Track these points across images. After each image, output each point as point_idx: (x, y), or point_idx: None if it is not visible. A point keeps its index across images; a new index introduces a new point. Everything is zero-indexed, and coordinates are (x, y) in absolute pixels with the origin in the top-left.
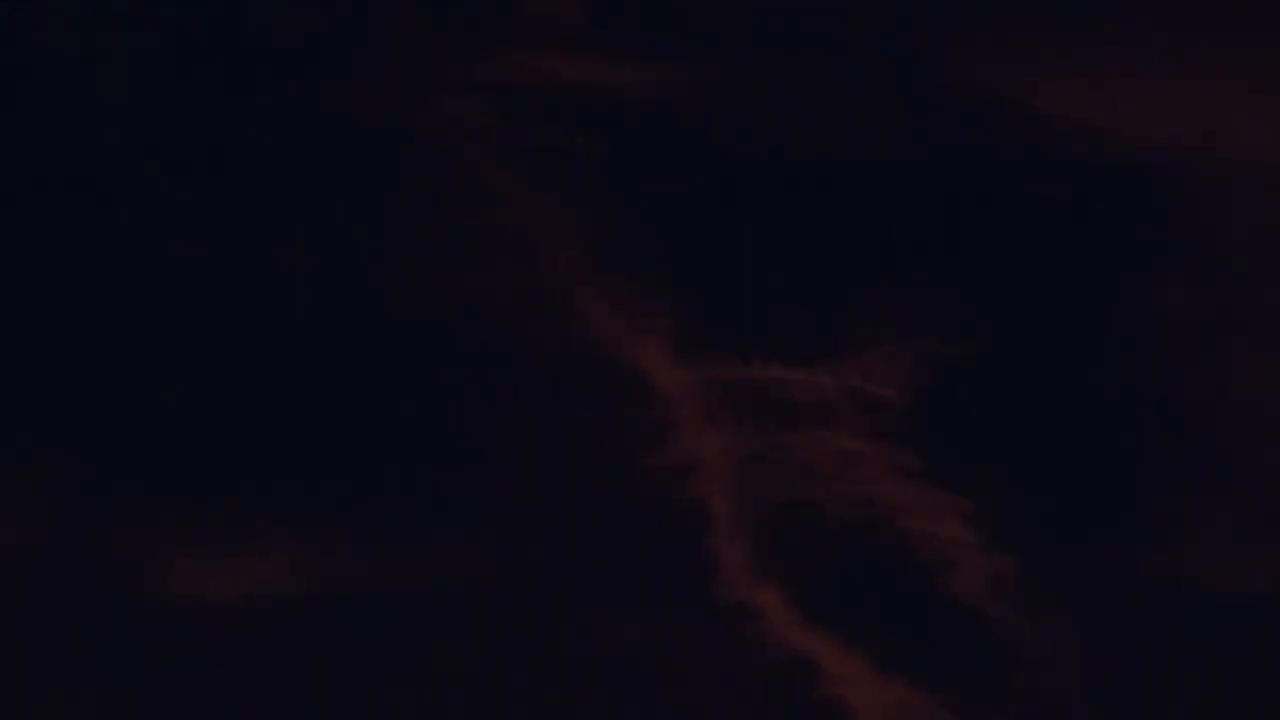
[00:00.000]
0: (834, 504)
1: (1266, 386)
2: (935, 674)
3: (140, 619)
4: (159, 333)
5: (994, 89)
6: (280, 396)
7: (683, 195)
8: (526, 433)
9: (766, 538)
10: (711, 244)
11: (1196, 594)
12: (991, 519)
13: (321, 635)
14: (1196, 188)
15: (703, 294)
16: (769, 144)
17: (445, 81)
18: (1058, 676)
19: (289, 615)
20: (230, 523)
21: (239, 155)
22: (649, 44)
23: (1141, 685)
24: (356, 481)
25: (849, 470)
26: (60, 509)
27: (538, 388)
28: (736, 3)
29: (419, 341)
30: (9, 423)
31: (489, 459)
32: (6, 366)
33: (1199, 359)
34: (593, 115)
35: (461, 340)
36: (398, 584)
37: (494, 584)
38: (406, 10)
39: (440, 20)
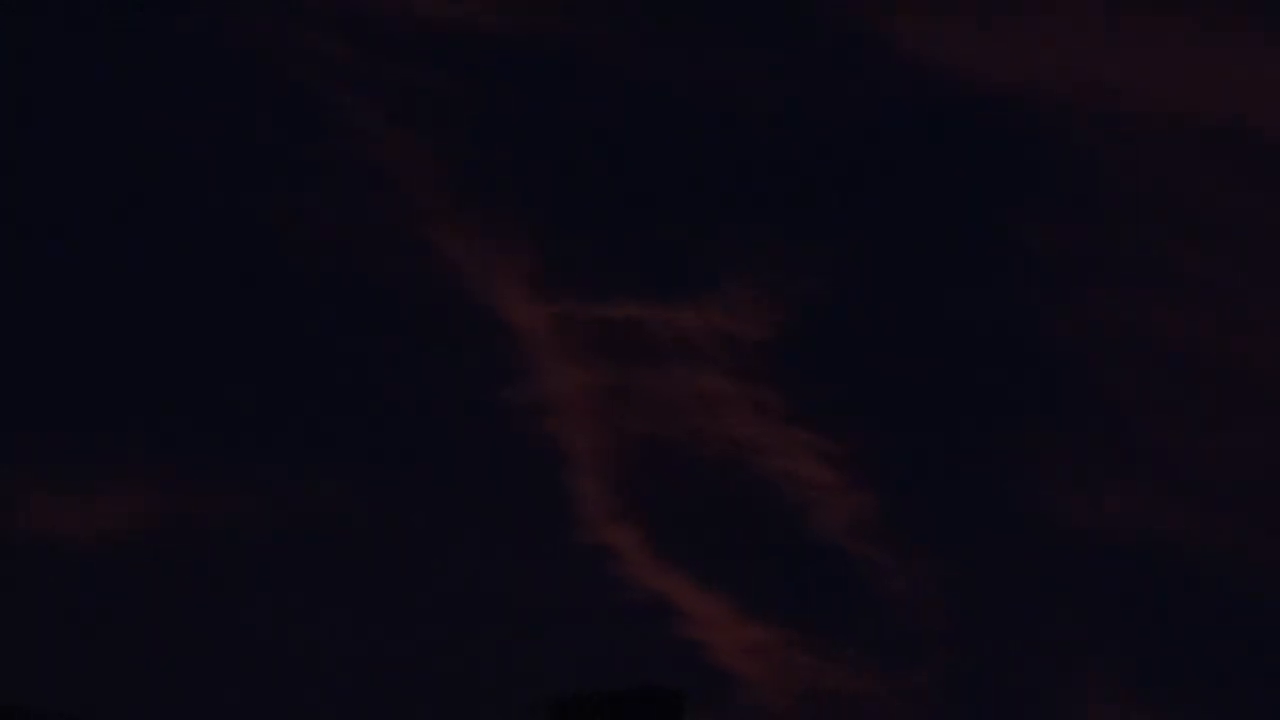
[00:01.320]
0: (694, 442)
1: (1128, 324)
2: (797, 614)
3: None
4: (10, 269)
5: (862, 30)
6: (131, 334)
7: (542, 132)
8: (380, 368)
9: (624, 477)
10: (571, 181)
11: (1061, 531)
12: (853, 458)
13: (174, 571)
14: (1066, 128)
15: (561, 231)
16: (631, 80)
17: (304, 14)
18: (921, 616)
19: (142, 551)
20: (84, 460)
21: (93, 82)
22: None
23: (1004, 624)
24: (206, 419)
25: (709, 408)
26: None
27: (392, 323)
28: None
29: (272, 274)
30: None
31: (341, 394)
32: None
33: (1064, 297)
34: (453, 51)
35: (315, 274)
36: (246, 521)
37: (345, 521)
38: None
39: None
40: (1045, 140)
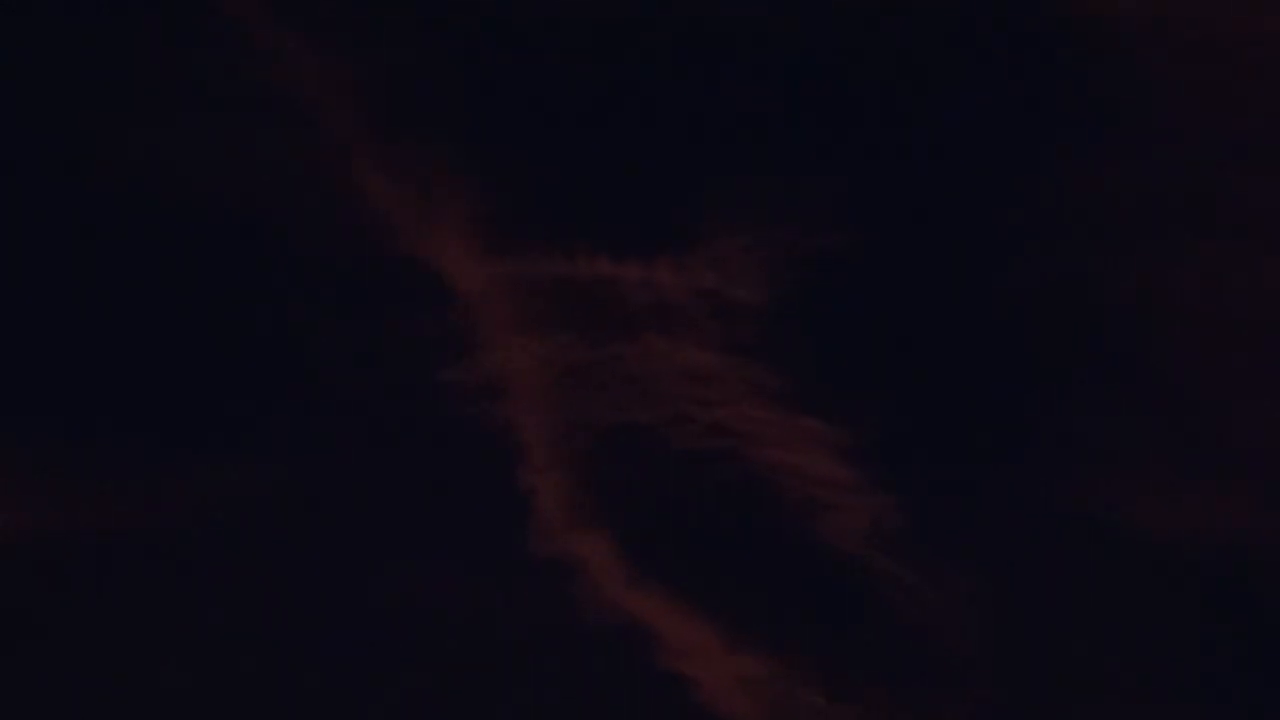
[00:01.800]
0: (675, 432)
1: (1195, 287)
2: (800, 642)
3: None
4: None
5: None
6: (32, 307)
7: (486, 50)
8: (298, 342)
9: (591, 473)
10: (523, 110)
11: (1115, 537)
12: (868, 450)
13: (91, 574)
14: (1121, 53)
15: (511, 171)
16: None
17: None
18: (952, 641)
19: (56, 554)
20: None
21: None
22: None
23: (1051, 649)
24: (116, 407)
25: (694, 390)
26: None
27: (312, 287)
28: None
29: (172, 231)
30: None
31: (256, 375)
32: None
33: (1118, 258)
34: None
35: (221, 224)
36: (166, 520)
37: (267, 524)
38: None
39: None
40: (1105, 68)
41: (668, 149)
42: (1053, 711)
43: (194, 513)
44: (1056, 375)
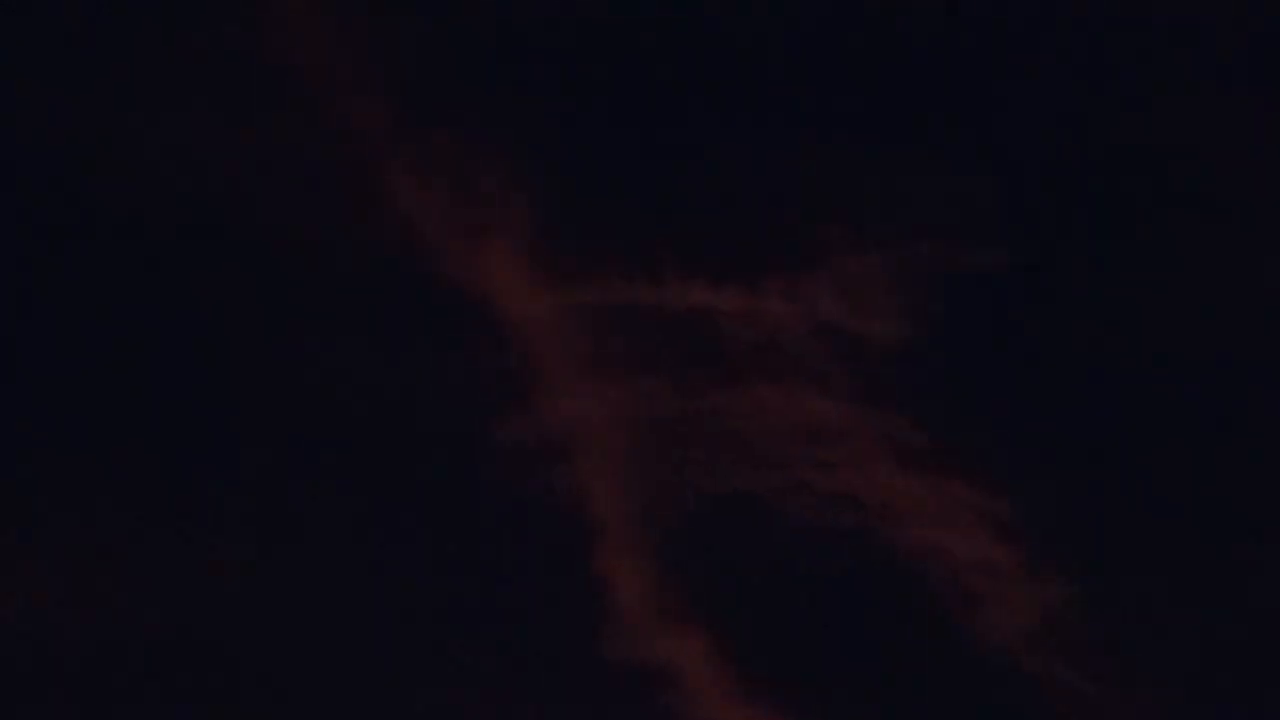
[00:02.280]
0: (791, 503)
1: None
2: None
3: None
4: None
5: None
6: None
7: (547, 30)
8: (324, 392)
9: (683, 557)
10: (593, 100)
11: None
12: (1035, 526)
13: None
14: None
15: (579, 176)
16: None
17: None
18: None
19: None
20: None
21: None
22: None
23: None
24: (113, 467)
25: (814, 451)
26: None
27: (340, 322)
28: None
29: (181, 256)
30: None
31: (271, 430)
32: None
33: None
34: None
35: (237, 246)
36: (167, 604)
37: (275, 623)
38: None
39: None
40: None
41: (777, 147)
42: None
43: (189, 599)
44: (1266, 434)
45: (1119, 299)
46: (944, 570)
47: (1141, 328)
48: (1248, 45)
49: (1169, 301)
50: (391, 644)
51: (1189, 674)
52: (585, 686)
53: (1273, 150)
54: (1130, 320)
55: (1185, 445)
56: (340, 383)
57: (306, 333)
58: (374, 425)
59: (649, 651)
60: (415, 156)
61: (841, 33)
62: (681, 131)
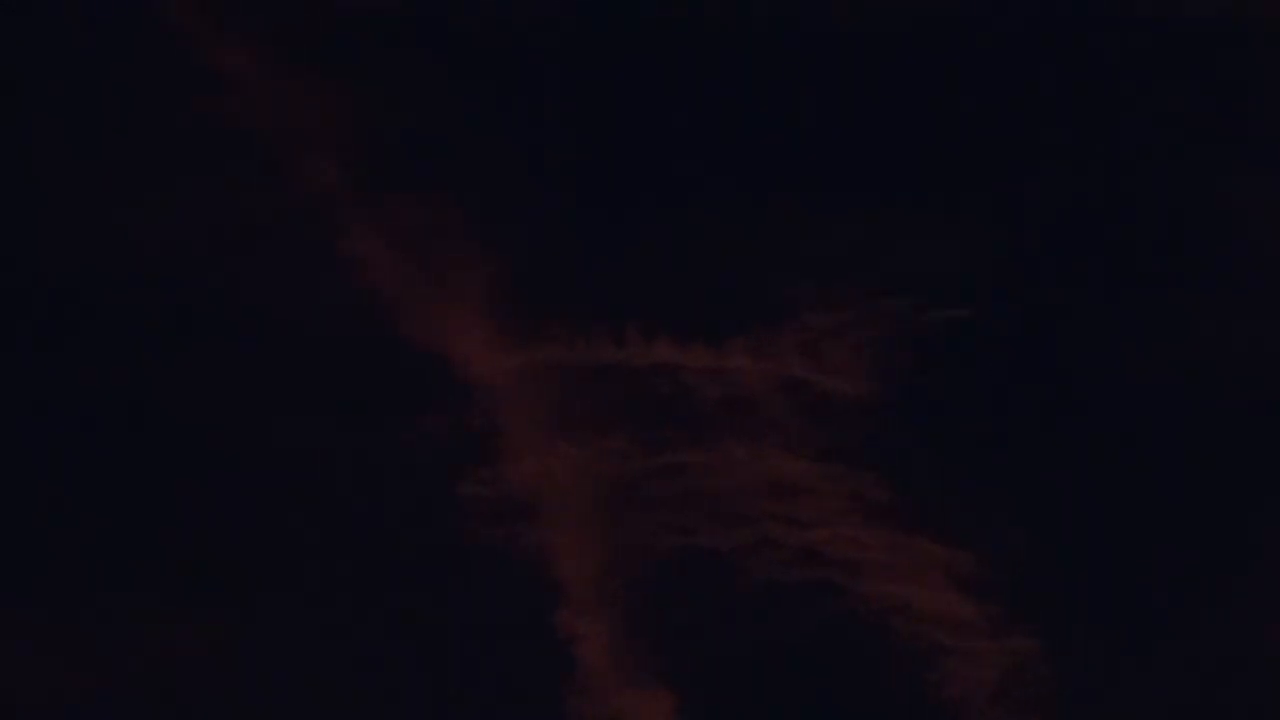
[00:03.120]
0: (756, 560)
1: None
2: None
3: None
4: None
5: None
6: None
7: (503, 84)
8: (282, 458)
9: (647, 615)
10: (553, 162)
11: None
12: (998, 582)
13: None
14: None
15: (538, 233)
16: None
17: None
18: None
19: None
20: None
21: None
22: None
23: None
24: (80, 556)
25: (779, 507)
26: None
27: (299, 386)
28: None
29: (136, 323)
30: None
31: (237, 496)
32: None
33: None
34: None
35: (192, 311)
36: (136, 679)
37: (250, 687)
38: None
39: None
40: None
41: (742, 203)
42: None
43: (152, 677)
44: (1249, 482)
45: (1084, 354)
46: (909, 624)
47: (1106, 383)
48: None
49: (1135, 357)
50: (359, 703)
51: None
52: None
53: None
54: (1095, 376)
55: (1150, 501)
56: (303, 446)
57: (269, 398)
58: (337, 488)
59: (612, 708)
60: (375, 219)
61: (810, 90)
62: (645, 189)
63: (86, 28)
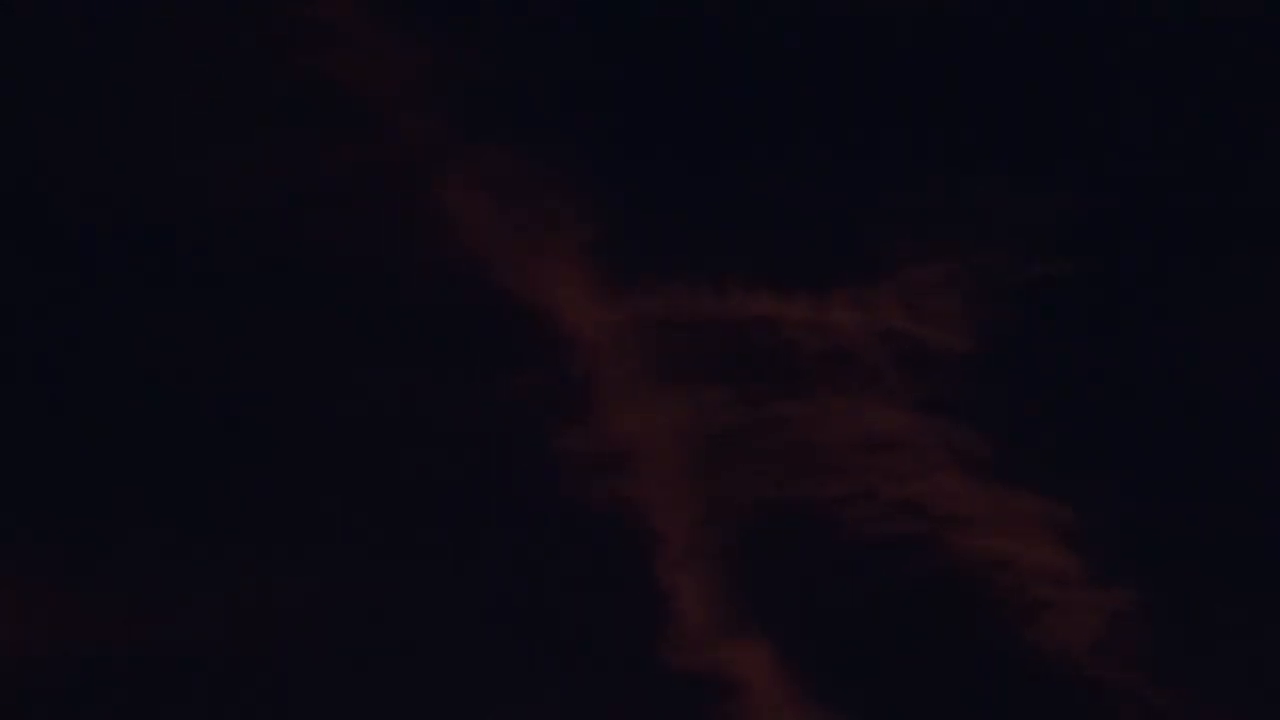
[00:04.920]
0: (855, 513)
1: None
2: None
3: None
4: None
5: None
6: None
7: (600, 31)
8: (373, 405)
9: (746, 567)
10: (654, 111)
11: None
12: (1101, 535)
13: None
14: None
15: (639, 183)
16: None
17: None
18: None
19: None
20: None
21: None
22: None
23: None
24: (136, 491)
25: (879, 460)
26: None
27: (390, 335)
28: None
29: (218, 266)
30: None
31: (316, 445)
32: None
33: None
34: None
35: (276, 255)
36: (206, 630)
37: (330, 636)
38: None
39: None
40: None
41: (844, 156)
42: None
43: (232, 623)
44: None
45: (1185, 309)
46: (1008, 579)
47: (1206, 338)
48: None
49: (1235, 312)
50: (454, 658)
51: (1255, 682)
52: (646, 697)
53: None
54: (1195, 330)
55: (1250, 453)
56: (399, 401)
57: (362, 352)
58: (435, 441)
59: (710, 661)
60: (470, 170)
61: (909, 42)
62: (748, 140)
63: None
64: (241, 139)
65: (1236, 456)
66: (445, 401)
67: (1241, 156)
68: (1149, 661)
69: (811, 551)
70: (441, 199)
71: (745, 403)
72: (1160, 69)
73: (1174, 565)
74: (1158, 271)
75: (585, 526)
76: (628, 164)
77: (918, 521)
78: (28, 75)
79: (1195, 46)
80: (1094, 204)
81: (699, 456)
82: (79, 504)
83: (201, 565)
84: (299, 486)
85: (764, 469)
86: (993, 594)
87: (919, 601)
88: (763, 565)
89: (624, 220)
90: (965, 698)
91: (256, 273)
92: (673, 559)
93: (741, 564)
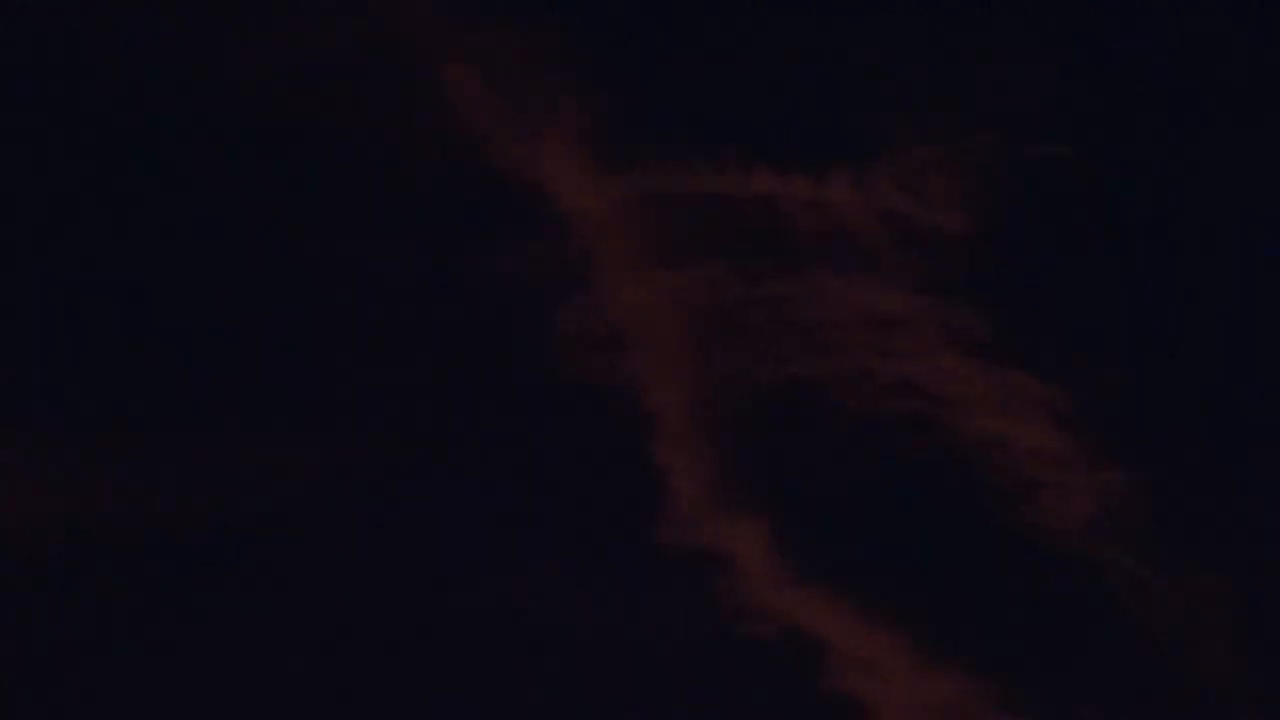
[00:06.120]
0: (850, 392)
1: None
2: (1005, 657)
3: None
4: None
5: None
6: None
7: None
8: (372, 283)
9: (741, 445)
10: None
11: None
12: (1095, 415)
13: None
14: None
15: (636, 60)
16: None
17: None
18: (1196, 658)
19: (89, 545)
20: None
21: None
22: None
23: None
24: (122, 375)
25: (876, 339)
26: None
27: (387, 213)
28: None
29: (221, 145)
30: None
31: (320, 325)
32: None
33: None
34: None
35: (278, 133)
36: (222, 509)
37: (336, 512)
38: None
39: None
40: None
41: (842, 36)
42: None
43: (247, 501)
44: None
45: (1181, 189)
46: (1004, 458)
47: (1203, 218)
48: None
49: (1233, 192)
50: (450, 530)
51: (1246, 560)
52: (641, 571)
53: None
54: (1192, 210)
55: (1246, 332)
56: (398, 275)
57: (360, 227)
58: (434, 316)
59: (705, 538)
60: (470, 50)
61: None
62: (746, 19)
63: None
64: (244, 15)
65: (1234, 336)
66: (443, 278)
67: (1240, 36)
68: (1144, 540)
69: (807, 430)
70: (441, 77)
71: (743, 280)
72: None
73: (1169, 445)
74: (1155, 151)
75: (581, 402)
76: (627, 44)
77: (915, 401)
78: None
79: None
80: (1092, 84)
81: (696, 334)
82: (107, 389)
83: (211, 446)
84: (298, 364)
85: (761, 347)
86: (989, 474)
87: (915, 481)
88: (758, 443)
89: (623, 99)
90: (961, 576)
91: (254, 149)
92: (668, 436)
93: (736, 442)
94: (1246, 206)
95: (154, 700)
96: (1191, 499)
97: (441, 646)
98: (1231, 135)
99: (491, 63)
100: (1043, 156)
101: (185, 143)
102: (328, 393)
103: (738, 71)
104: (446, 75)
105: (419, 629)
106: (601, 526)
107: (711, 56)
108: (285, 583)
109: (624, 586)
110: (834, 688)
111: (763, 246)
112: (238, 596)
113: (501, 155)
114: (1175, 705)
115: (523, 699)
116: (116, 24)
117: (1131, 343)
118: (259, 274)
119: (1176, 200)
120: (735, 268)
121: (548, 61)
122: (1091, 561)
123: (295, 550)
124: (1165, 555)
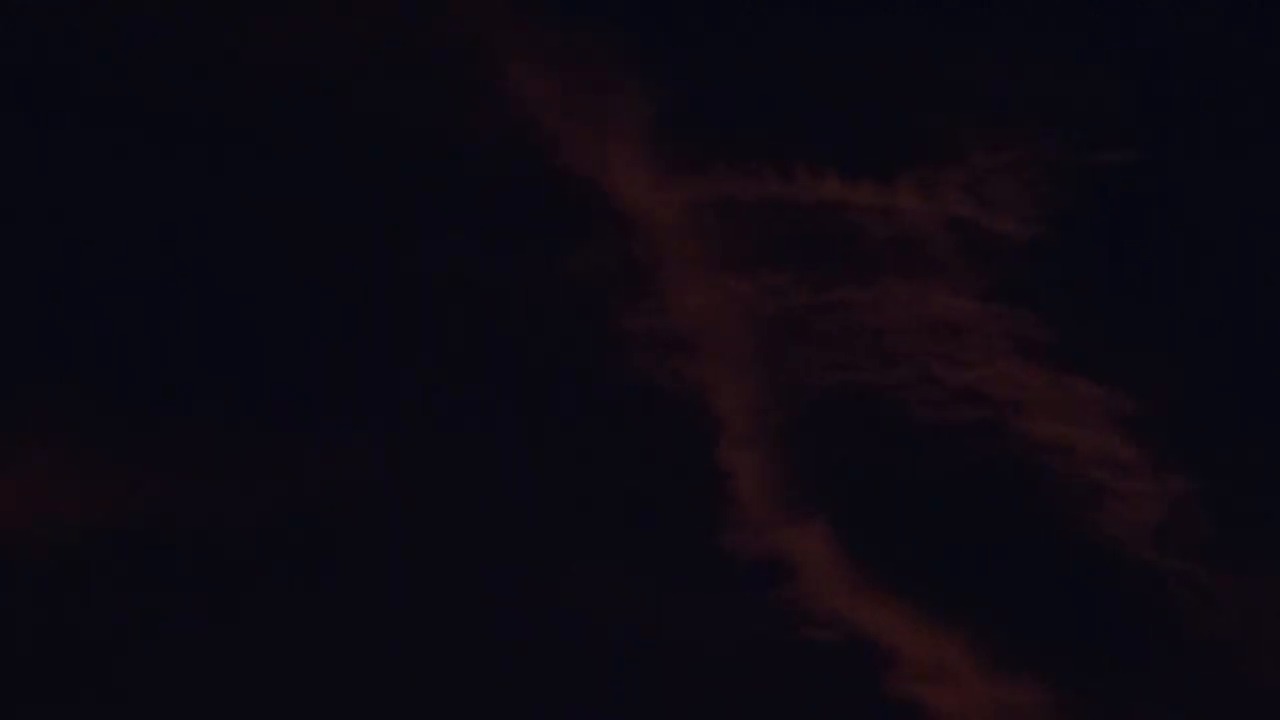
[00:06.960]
0: (917, 398)
1: None
2: (1071, 665)
3: None
4: None
5: None
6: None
7: None
8: (436, 286)
9: (807, 450)
10: None
11: None
12: (1162, 422)
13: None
14: None
15: (706, 64)
16: None
17: None
18: (1261, 662)
19: (150, 547)
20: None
21: None
22: None
23: None
24: (169, 368)
25: (942, 346)
26: None
27: (453, 217)
28: None
29: (281, 145)
30: None
31: (384, 327)
32: None
33: None
34: None
35: (355, 142)
36: (283, 509)
37: (401, 515)
38: None
39: None
40: None
41: (911, 43)
42: None
43: (311, 502)
44: None
45: (1247, 195)
46: (1068, 465)
47: (1269, 225)
48: None
49: None
50: (513, 534)
51: None
52: (705, 577)
53: None
54: (1258, 217)
55: None
56: (464, 277)
57: (425, 228)
58: (499, 319)
59: (770, 543)
60: (537, 51)
61: None
62: (816, 25)
63: None
64: (308, 13)
65: None
66: (508, 280)
67: None
68: (1208, 548)
69: (872, 436)
70: (507, 76)
71: (810, 286)
72: None
73: (1234, 453)
74: (1222, 157)
75: (647, 406)
76: (697, 47)
77: (979, 407)
78: None
79: None
80: (1159, 91)
81: (762, 339)
82: (142, 385)
83: (263, 442)
84: (361, 363)
85: (826, 353)
86: (1053, 480)
87: (979, 487)
88: (823, 448)
89: (692, 103)
90: (1021, 581)
91: (321, 145)
92: (733, 440)
93: (802, 447)
94: None
95: (186, 699)
96: (1255, 506)
97: (502, 650)
98: None
99: (560, 64)
100: (1109, 163)
101: (241, 142)
102: (389, 395)
103: (807, 77)
104: (511, 73)
105: (477, 634)
106: (667, 531)
107: (781, 61)
108: (357, 580)
109: (689, 591)
110: (899, 694)
111: (830, 252)
112: (282, 596)
113: (569, 157)
114: (1239, 714)
115: (584, 703)
116: (179, 15)
117: (1197, 349)
118: (324, 273)
119: (1242, 207)
120: (802, 273)
121: (616, 63)
122: (1156, 569)
123: (357, 537)
124: (1229, 563)
